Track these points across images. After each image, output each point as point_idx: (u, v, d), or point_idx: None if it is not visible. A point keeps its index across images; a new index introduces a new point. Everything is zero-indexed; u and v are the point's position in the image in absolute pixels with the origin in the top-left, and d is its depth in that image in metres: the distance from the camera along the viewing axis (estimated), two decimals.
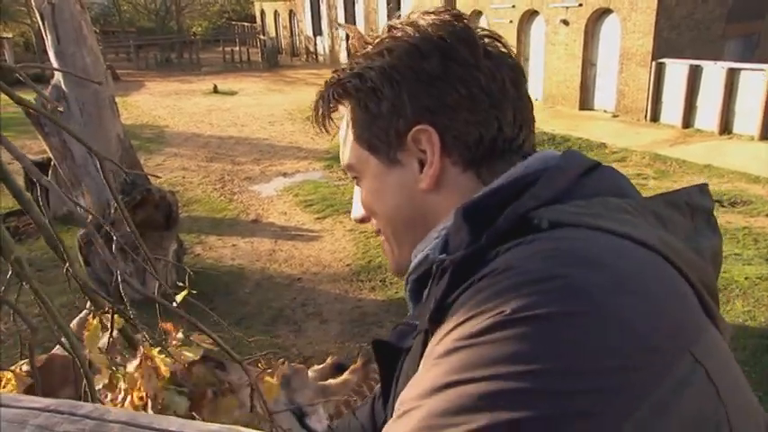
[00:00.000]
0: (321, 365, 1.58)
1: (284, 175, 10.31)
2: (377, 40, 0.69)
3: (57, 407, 0.59)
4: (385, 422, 0.50)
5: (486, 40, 0.67)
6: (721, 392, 0.47)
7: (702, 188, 0.63)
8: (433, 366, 0.46)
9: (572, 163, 0.62)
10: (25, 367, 1.27)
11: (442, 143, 0.64)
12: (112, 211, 5.25)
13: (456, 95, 0.63)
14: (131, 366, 1.13)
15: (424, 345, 0.54)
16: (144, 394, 1.09)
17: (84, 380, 1.10)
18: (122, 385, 1.13)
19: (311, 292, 6.00)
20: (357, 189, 0.76)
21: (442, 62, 0.64)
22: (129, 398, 1.10)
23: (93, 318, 1.18)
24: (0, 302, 1.14)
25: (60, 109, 5.12)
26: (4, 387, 1.20)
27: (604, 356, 0.42)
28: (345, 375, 1.48)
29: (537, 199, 0.56)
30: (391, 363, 0.66)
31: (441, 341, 0.48)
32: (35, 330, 1.18)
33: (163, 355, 1.13)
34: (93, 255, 5.40)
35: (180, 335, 1.21)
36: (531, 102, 0.69)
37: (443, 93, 0.63)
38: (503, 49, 0.67)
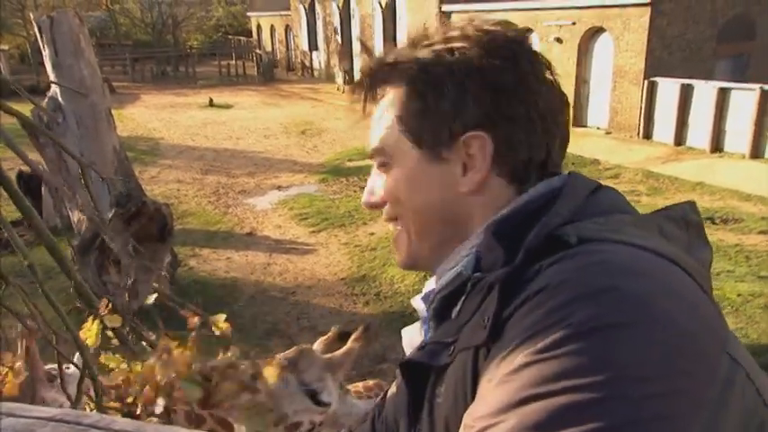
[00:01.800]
0: (325, 336, 1.60)
1: (279, 188, 10.32)
2: (444, 35, 0.68)
3: (63, 416, 0.60)
4: None
5: (545, 65, 0.69)
6: (761, 391, 0.50)
7: (693, 205, 0.66)
8: (504, 383, 0.48)
9: (581, 184, 0.65)
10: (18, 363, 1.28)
11: (493, 154, 0.65)
12: (107, 223, 5.23)
13: (518, 112, 0.65)
14: (151, 358, 1.15)
15: (475, 360, 0.55)
16: (161, 383, 1.11)
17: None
18: (136, 374, 1.16)
19: (306, 305, 5.98)
20: (376, 174, 0.75)
21: (512, 77, 0.65)
22: (145, 388, 1.13)
23: (93, 320, 1.20)
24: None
25: (58, 120, 5.12)
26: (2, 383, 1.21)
27: (669, 360, 0.45)
28: (349, 344, 1.49)
29: (559, 217, 0.59)
30: (419, 382, 0.66)
31: (506, 357, 0.50)
32: (33, 332, 1.19)
33: (180, 348, 1.17)
34: (85, 266, 5.37)
35: (196, 320, 1.24)
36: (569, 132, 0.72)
37: (507, 107, 0.65)
38: (553, 78, 0.69)
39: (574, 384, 0.44)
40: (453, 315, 0.65)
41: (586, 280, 0.50)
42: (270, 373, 1.19)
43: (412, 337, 0.77)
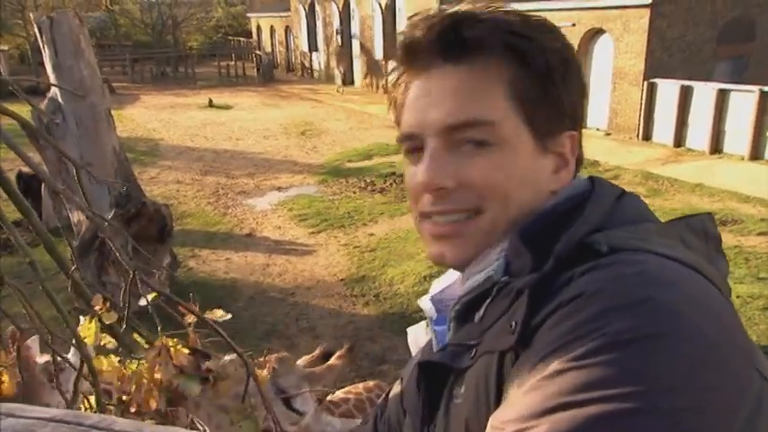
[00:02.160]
0: (310, 355, 1.61)
1: (279, 189, 10.32)
2: (529, 19, 0.64)
3: (63, 417, 0.60)
4: None
5: None
6: None
7: (711, 217, 0.66)
8: (535, 389, 0.48)
9: (607, 190, 0.65)
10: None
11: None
12: (106, 224, 5.22)
13: (583, 111, 0.67)
14: (149, 355, 1.16)
15: (500, 365, 0.55)
16: (158, 380, 1.13)
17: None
18: (133, 371, 1.18)
19: (305, 306, 5.98)
20: (445, 151, 0.63)
21: (582, 81, 0.67)
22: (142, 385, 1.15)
23: (91, 319, 1.21)
24: None
25: (57, 121, 5.12)
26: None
27: (702, 372, 0.45)
28: (332, 360, 1.51)
29: (588, 224, 0.59)
30: (436, 382, 0.66)
31: (538, 364, 0.49)
32: (25, 332, 1.20)
33: (179, 345, 1.18)
34: (85, 267, 5.37)
35: (192, 317, 1.26)
36: None
37: (583, 107, 0.67)
38: None
39: (607, 394, 0.44)
40: (476, 319, 0.64)
41: (623, 290, 0.49)
42: (263, 376, 1.21)
43: (417, 337, 0.77)
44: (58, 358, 1.33)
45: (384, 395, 0.92)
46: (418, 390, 0.69)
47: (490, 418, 0.52)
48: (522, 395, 0.49)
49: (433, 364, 0.66)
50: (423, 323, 0.77)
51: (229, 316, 1.26)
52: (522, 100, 0.61)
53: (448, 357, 0.64)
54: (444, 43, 0.61)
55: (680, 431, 0.42)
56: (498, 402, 0.54)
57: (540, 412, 0.46)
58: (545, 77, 0.62)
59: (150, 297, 1.26)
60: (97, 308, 1.27)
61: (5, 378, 1.25)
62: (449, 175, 0.62)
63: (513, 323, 0.54)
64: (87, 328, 1.24)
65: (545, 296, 0.53)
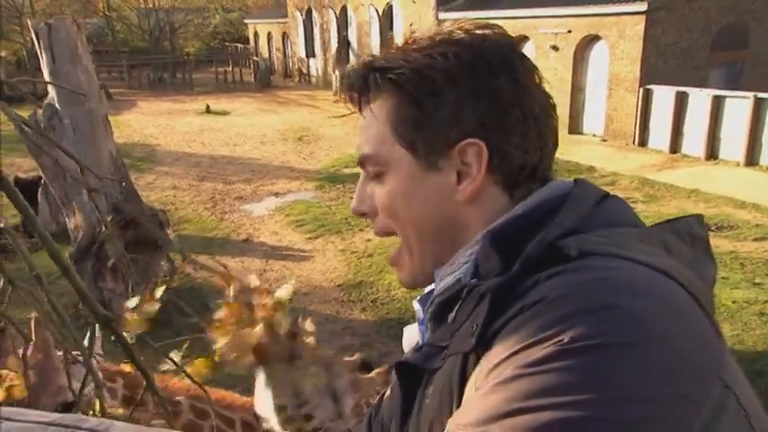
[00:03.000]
0: (349, 359, 1.62)
1: (276, 194, 10.31)
2: (435, 38, 0.65)
3: (62, 421, 0.60)
4: None
5: (534, 68, 0.67)
6: (751, 418, 0.48)
7: (699, 219, 0.65)
8: (490, 393, 0.47)
9: (588, 193, 0.64)
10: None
11: (489, 161, 0.64)
12: (103, 229, 5.22)
13: (513, 118, 0.63)
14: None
15: (464, 367, 0.55)
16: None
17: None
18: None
19: (302, 312, 5.96)
20: (365, 181, 0.73)
21: (508, 81, 0.63)
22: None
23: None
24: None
25: (54, 126, 5.12)
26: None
27: (663, 383, 0.44)
28: (372, 375, 1.51)
29: (561, 228, 0.58)
30: (412, 383, 0.66)
31: (495, 367, 0.49)
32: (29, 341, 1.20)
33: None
34: (82, 273, 5.36)
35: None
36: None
37: (503, 112, 0.63)
38: (541, 82, 0.68)
39: (561, 401, 0.43)
40: (449, 320, 0.64)
41: (586, 295, 0.49)
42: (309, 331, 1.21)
43: (411, 337, 0.77)
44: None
45: (378, 396, 0.92)
46: (398, 391, 0.69)
47: (448, 422, 0.51)
48: (478, 399, 0.49)
49: (408, 364, 0.67)
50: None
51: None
52: (400, 126, 0.66)
53: (421, 358, 0.64)
54: (355, 90, 0.69)
55: None
56: (457, 401, 0.54)
57: (493, 417, 0.45)
58: (420, 98, 0.64)
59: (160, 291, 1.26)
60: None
61: (17, 381, 1.25)
62: (364, 202, 0.72)
63: (475, 326, 0.55)
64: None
65: (509, 300, 0.53)
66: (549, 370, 0.45)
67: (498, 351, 0.50)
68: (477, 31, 0.65)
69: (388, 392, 0.88)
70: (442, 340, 0.62)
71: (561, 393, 0.43)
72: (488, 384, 0.48)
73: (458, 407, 0.54)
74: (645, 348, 0.45)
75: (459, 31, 0.65)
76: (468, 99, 0.63)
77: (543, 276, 0.53)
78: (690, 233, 0.62)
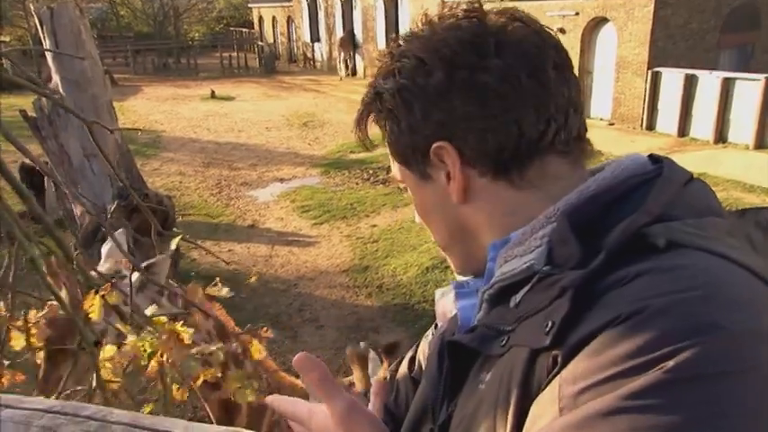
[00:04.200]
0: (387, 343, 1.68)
1: (281, 180, 10.32)
2: (388, 56, 0.67)
3: (61, 408, 0.60)
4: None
5: (506, 28, 0.63)
6: None
7: None
8: (593, 423, 0.43)
9: (676, 175, 0.60)
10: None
11: (461, 156, 0.62)
12: (109, 215, 5.24)
13: (466, 106, 0.61)
14: (162, 337, 1.25)
15: (531, 363, 0.51)
16: (163, 360, 1.21)
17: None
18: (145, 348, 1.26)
19: (308, 297, 6.00)
20: None
21: (447, 73, 0.61)
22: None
23: (95, 295, 1.25)
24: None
25: (59, 112, 5.12)
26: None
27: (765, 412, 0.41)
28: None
29: (650, 215, 0.53)
30: (462, 363, 0.61)
31: (590, 388, 0.45)
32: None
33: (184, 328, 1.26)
34: (89, 258, 5.38)
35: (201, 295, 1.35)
36: (567, 83, 0.64)
37: (452, 106, 0.61)
38: (523, 33, 0.64)
39: None
40: (512, 303, 0.59)
41: (689, 311, 0.45)
42: (257, 349, 1.30)
43: (445, 306, 0.74)
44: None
45: (390, 375, 0.92)
46: (440, 366, 0.64)
47: None
48: (574, 427, 0.44)
49: (462, 345, 0.61)
50: (451, 293, 0.74)
51: (232, 293, 1.36)
52: (389, 146, 0.69)
53: (477, 341, 0.59)
54: (358, 120, 0.73)
55: None
56: (520, 397, 0.50)
57: None
58: (382, 120, 0.68)
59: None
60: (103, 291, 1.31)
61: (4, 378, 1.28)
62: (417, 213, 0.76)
63: (550, 323, 0.50)
64: (92, 303, 1.27)
65: (591, 296, 0.49)
66: (655, 406, 0.42)
67: (590, 366, 0.46)
68: (431, 27, 0.65)
69: (402, 371, 0.88)
70: (502, 323, 0.57)
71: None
72: (585, 411, 0.44)
73: (516, 399, 0.50)
74: (752, 379, 0.42)
75: (408, 37, 0.66)
76: (416, 107, 0.64)
77: (632, 273, 0.49)
78: None
